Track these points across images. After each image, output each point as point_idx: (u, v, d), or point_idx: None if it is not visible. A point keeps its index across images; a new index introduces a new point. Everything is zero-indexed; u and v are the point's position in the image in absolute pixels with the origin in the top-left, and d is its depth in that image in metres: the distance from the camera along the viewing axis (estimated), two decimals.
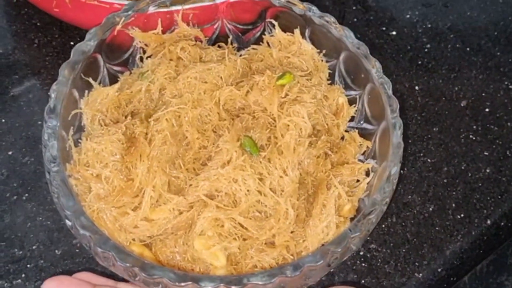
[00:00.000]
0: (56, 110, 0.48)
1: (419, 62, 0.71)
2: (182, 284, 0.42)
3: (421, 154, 0.64)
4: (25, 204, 0.58)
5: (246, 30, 0.60)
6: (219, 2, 0.58)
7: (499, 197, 0.61)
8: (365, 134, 0.55)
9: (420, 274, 0.56)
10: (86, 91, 0.53)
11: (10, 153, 0.61)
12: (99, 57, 0.54)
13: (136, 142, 0.49)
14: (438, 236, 0.58)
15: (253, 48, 0.59)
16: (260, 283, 0.42)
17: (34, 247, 0.55)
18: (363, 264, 0.56)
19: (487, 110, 0.67)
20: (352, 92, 0.56)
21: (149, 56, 0.57)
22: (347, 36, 0.55)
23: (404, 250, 0.57)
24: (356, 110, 0.56)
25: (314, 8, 0.56)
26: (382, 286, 0.55)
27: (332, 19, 0.56)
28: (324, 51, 0.57)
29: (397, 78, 0.69)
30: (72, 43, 0.69)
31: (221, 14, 0.59)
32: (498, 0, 0.77)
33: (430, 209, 0.60)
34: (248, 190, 0.48)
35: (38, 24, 0.71)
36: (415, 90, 0.69)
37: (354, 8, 0.76)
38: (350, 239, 0.45)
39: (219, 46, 0.59)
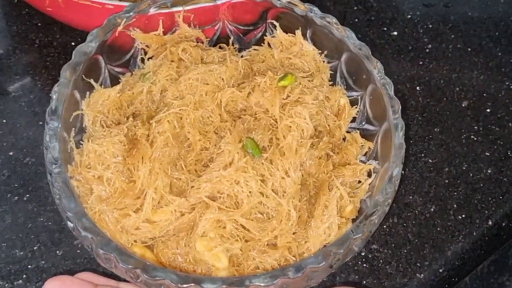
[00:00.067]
0: (58, 112, 0.48)
1: (420, 63, 0.71)
2: (184, 285, 0.42)
3: (422, 155, 0.64)
4: (26, 205, 0.58)
5: (247, 31, 0.60)
6: (220, 3, 0.58)
7: (501, 197, 0.61)
8: (366, 135, 0.55)
9: (422, 275, 0.56)
10: (88, 93, 0.53)
11: (11, 153, 0.61)
12: (100, 58, 0.54)
13: (137, 144, 0.49)
14: (440, 236, 0.58)
15: (255, 49, 0.59)
16: (262, 284, 0.42)
17: (35, 248, 0.55)
18: (365, 265, 0.56)
19: (488, 110, 0.67)
20: (354, 93, 0.56)
21: (151, 57, 0.57)
22: (348, 37, 0.55)
23: (405, 251, 0.57)
24: (357, 111, 0.56)
25: (316, 9, 0.56)
26: (384, 286, 0.55)
27: (334, 20, 0.56)
28: (325, 52, 0.57)
29: (398, 78, 0.69)
30: (73, 43, 0.69)
31: (222, 15, 0.59)
32: (499, 0, 0.77)
33: (432, 209, 0.60)
34: (250, 192, 0.48)
35: (39, 24, 0.70)
36: (416, 90, 0.68)
37: (355, 8, 0.76)
38: (352, 240, 0.45)
39: (220, 47, 0.59)
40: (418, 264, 0.57)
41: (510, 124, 0.66)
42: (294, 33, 0.58)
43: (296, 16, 0.57)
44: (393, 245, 0.58)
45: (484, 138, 0.65)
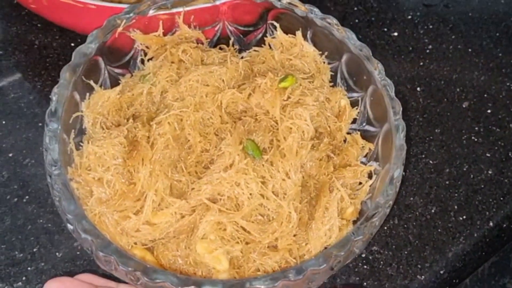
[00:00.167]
0: (58, 113, 0.48)
1: (421, 63, 0.71)
2: None
3: (423, 156, 0.63)
4: (25, 206, 0.57)
5: (248, 32, 0.60)
6: (220, 4, 0.57)
7: (501, 198, 0.61)
8: (367, 136, 0.55)
9: (423, 277, 0.56)
10: (87, 94, 0.53)
11: (10, 155, 0.61)
12: (100, 59, 0.53)
13: (138, 146, 0.49)
14: (440, 238, 0.58)
15: (255, 50, 0.59)
16: (263, 287, 0.42)
17: (34, 250, 0.55)
18: (365, 266, 0.56)
19: (489, 111, 0.67)
20: (354, 94, 0.56)
21: (151, 59, 0.57)
22: (349, 38, 0.55)
23: (406, 252, 0.57)
24: (358, 112, 0.56)
25: (316, 9, 0.56)
26: None
27: (334, 21, 0.55)
28: (326, 53, 0.57)
29: (398, 79, 0.69)
30: (72, 44, 0.69)
31: (222, 16, 0.58)
32: (499, 1, 0.77)
33: (432, 211, 0.60)
34: (250, 194, 0.47)
35: (39, 25, 0.70)
36: (417, 91, 0.68)
37: (355, 9, 0.75)
38: (353, 242, 0.45)
39: (220, 48, 0.59)
40: (419, 266, 0.56)
41: (511, 125, 0.66)
42: (295, 34, 0.58)
43: (296, 17, 0.57)
44: (393, 246, 0.57)
45: (484, 139, 0.65)
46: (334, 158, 0.53)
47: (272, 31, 0.59)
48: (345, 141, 0.55)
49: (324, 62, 0.58)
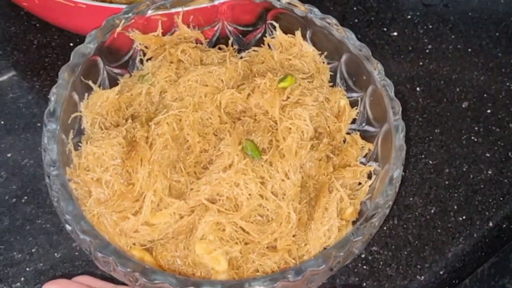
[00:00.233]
0: (56, 114, 0.48)
1: (420, 63, 0.71)
2: None
3: (423, 156, 0.63)
4: (24, 207, 0.57)
5: (247, 32, 0.59)
6: (219, 3, 0.57)
7: (501, 199, 0.61)
8: (367, 137, 0.55)
9: (422, 277, 0.56)
10: (86, 94, 0.53)
11: (9, 155, 0.61)
12: (99, 59, 0.53)
13: (136, 146, 0.49)
14: (440, 238, 0.58)
15: (254, 50, 0.58)
16: (262, 287, 0.42)
17: (33, 250, 0.55)
18: (365, 267, 0.56)
19: (489, 111, 0.67)
20: (354, 94, 0.56)
21: (150, 59, 0.56)
22: (348, 37, 0.55)
23: (405, 253, 0.57)
24: (358, 113, 0.56)
25: (316, 9, 0.56)
26: None
27: (334, 20, 0.55)
28: (325, 53, 0.57)
29: (398, 79, 0.69)
30: (71, 44, 0.69)
31: (222, 16, 0.58)
32: (499, 0, 0.77)
33: (432, 211, 0.60)
34: (249, 194, 0.47)
35: (37, 25, 0.70)
36: (416, 91, 0.68)
37: (355, 8, 0.75)
38: (353, 243, 0.45)
39: (219, 48, 0.59)
40: (419, 266, 0.56)
41: (510, 125, 0.66)
42: (294, 34, 0.58)
43: (296, 17, 0.57)
44: (393, 247, 0.57)
45: (484, 139, 0.65)
46: (333, 159, 0.53)
47: (272, 31, 0.59)
48: (344, 141, 0.55)
49: (323, 62, 0.57)
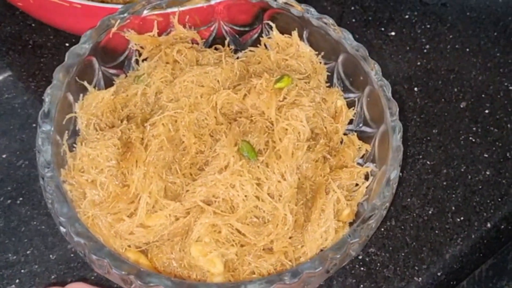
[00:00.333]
0: (51, 115, 0.48)
1: (418, 63, 0.70)
2: None
3: (420, 156, 0.63)
4: (19, 208, 0.57)
5: (243, 32, 0.59)
6: (215, 3, 0.57)
7: (499, 199, 0.61)
8: (364, 137, 0.54)
9: (420, 278, 0.56)
10: (81, 95, 0.52)
11: (4, 156, 0.60)
12: (94, 60, 0.53)
13: (132, 147, 0.48)
14: (438, 239, 0.58)
15: (251, 51, 0.58)
16: None
17: (28, 252, 0.55)
18: (362, 268, 0.56)
19: (486, 111, 0.67)
20: (351, 95, 0.56)
21: (145, 59, 0.56)
22: (345, 38, 0.54)
23: (403, 254, 0.57)
24: (355, 113, 0.55)
25: (312, 9, 0.56)
26: None
27: (331, 20, 0.55)
28: (322, 53, 0.57)
29: (395, 79, 0.69)
30: (67, 44, 0.68)
31: (218, 16, 0.58)
32: (497, 0, 0.77)
33: (430, 212, 0.59)
34: (245, 196, 0.47)
35: (33, 25, 0.70)
36: (414, 91, 0.68)
37: (352, 8, 0.75)
38: (349, 245, 0.45)
39: (216, 48, 0.59)
40: (416, 268, 0.56)
41: (508, 125, 0.66)
42: (291, 34, 0.57)
43: (292, 17, 0.56)
44: (390, 248, 0.57)
45: (482, 140, 0.65)
46: (330, 160, 0.52)
47: (268, 31, 0.58)
48: (341, 142, 0.54)
49: (320, 63, 0.57)
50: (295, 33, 0.57)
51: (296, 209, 0.48)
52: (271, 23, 0.58)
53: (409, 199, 0.60)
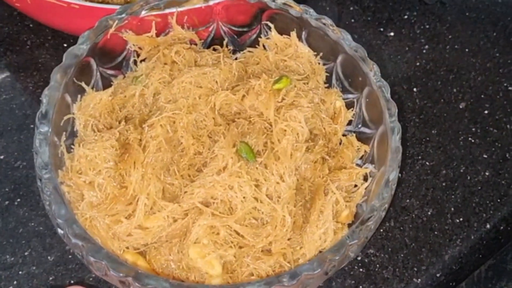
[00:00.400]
0: (48, 116, 0.47)
1: (417, 64, 0.70)
2: None
3: (420, 157, 0.63)
4: (17, 210, 0.57)
5: (242, 33, 0.59)
6: (214, 4, 0.57)
7: (499, 200, 0.61)
8: (363, 138, 0.54)
9: (419, 280, 0.56)
10: (79, 96, 0.52)
11: (1, 157, 0.60)
12: (92, 61, 0.53)
13: (130, 149, 0.48)
14: (437, 240, 0.58)
15: (249, 51, 0.58)
16: None
17: (26, 253, 0.54)
18: (361, 270, 0.56)
19: (486, 112, 0.67)
20: (350, 96, 0.55)
21: (143, 60, 0.56)
22: (344, 38, 0.54)
23: (402, 255, 0.57)
24: (353, 114, 0.55)
25: (311, 10, 0.56)
26: None
27: (329, 21, 0.55)
28: (321, 54, 0.57)
29: (394, 79, 0.69)
30: (65, 45, 0.68)
31: (216, 16, 0.58)
32: (497, 0, 0.77)
33: (429, 213, 0.59)
34: (244, 197, 0.47)
35: (31, 25, 0.70)
36: (413, 92, 0.68)
37: (351, 8, 0.75)
38: (348, 246, 0.45)
39: (214, 49, 0.58)
40: (415, 269, 0.56)
41: (508, 126, 0.66)
42: (289, 35, 0.57)
43: (291, 17, 0.56)
44: (389, 249, 0.57)
45: (481, 140, 0.65)
46: (329, 161, 0.52)
47: (267, 32, 0.58)
48: (340, 143, 0.54)
49: (319, 63, 0.57)
50: (293, 34, 0.57)
51: (294, 211, 0.48)
52: (269, 24, 0.58)
53: (408, 200, 0.60)
